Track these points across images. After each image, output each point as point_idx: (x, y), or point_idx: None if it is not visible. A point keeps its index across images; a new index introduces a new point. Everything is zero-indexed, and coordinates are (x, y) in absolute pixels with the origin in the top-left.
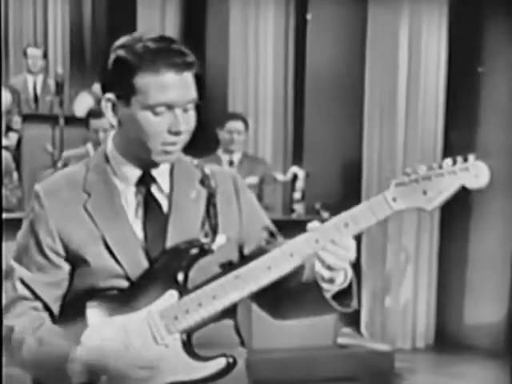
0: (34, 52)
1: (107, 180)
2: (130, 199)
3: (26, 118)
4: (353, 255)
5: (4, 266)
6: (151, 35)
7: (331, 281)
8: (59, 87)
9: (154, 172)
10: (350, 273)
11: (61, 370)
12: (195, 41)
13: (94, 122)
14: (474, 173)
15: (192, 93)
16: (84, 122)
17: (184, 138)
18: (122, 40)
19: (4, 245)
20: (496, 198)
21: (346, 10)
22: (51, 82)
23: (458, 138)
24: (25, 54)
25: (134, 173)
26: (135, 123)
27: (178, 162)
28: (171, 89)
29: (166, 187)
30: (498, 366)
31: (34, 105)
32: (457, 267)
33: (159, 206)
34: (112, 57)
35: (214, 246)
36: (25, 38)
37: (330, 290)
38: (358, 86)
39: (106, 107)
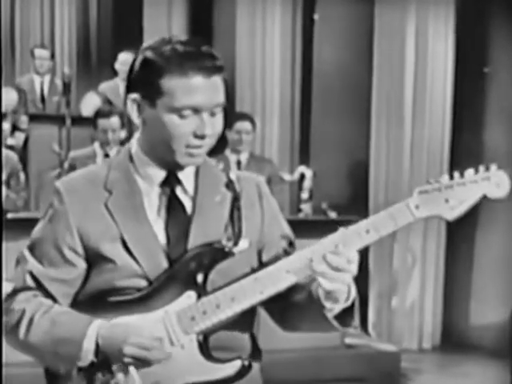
0: (42, 53)
1: (130, 179)
2: (153, 199)
3: (33, 118)
4: (354, 269)
5: (4, 266)
6: (180, 38)
7: (334, 299)
8: (66, 87)
9: (180, 173)
10: (354, 292)
11: (75, 348)
12: (202, 41)
13: (102, 122)
14: (496, 182)
15: (220, 97)
16: (91, 121)
17: (209, 142)
18: (151, 42)
19: (4, 245)
20: (503, 200)
21: (352, 10)
22: (58, 82)
23: (465, 137)
24: (32, 54)
25: (159, 173)
26: (160, 125)
27: (204, 165)
28: (198, 92)
29: (190, 189)
30: (504, 366)
31: (40, 105)
32: (463, 268)
33: (183, 208)
34: (139, 58)
35: (236, 250)
36: (32, 38)
37: (332, 308)
38: (365, 86)
39: (132, 108)
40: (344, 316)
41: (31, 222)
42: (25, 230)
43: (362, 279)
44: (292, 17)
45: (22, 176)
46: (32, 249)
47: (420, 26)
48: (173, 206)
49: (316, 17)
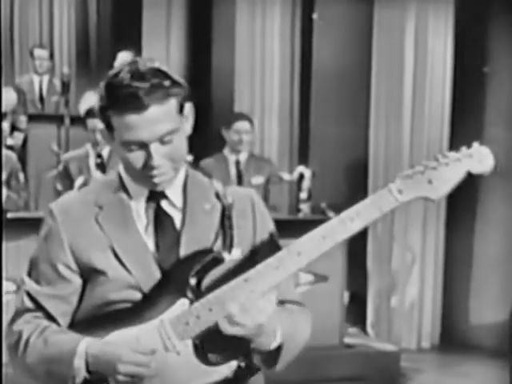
0: (41, 53)
1: (119, 195)
2: (141, 214)
3: (32, 118)
4: (262, 319)
5: (4, 265)
6: (129, 71)
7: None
8: (65, 87)
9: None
10: (279, 339)
11: (66, 367)
12: (201, 41)
13: (91, 122)
14: (478, 158)
15: (167, 125)
16: (82, 121)
17: (168, 168)
18: (109, 73)
19: (4, 245)
20: (501, 198)
21: (352, 10)
22: (57, 82)
23: (464, 136)
24: (31, 54)
25: (143, 190)
26: (120, 155)
27: (192, 178)
28: (136, 129)
29: (178, 203)
30: (504, 365)
31: (39, 105)
32: (462, 267)
33: (170, 219)
34: (99, 90)
35: (229, 258)
36: (30, 38)
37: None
38: (364, 85)
39: (102, 136)
40: (267, 359)
41: (31, 222)
42: (25, 230)
43: (360, 278)
44: (291, 16)
45: (21, 176)
46: (29, 271)
47: (419, 24)
48: (160, 219)
49: (315, 16)
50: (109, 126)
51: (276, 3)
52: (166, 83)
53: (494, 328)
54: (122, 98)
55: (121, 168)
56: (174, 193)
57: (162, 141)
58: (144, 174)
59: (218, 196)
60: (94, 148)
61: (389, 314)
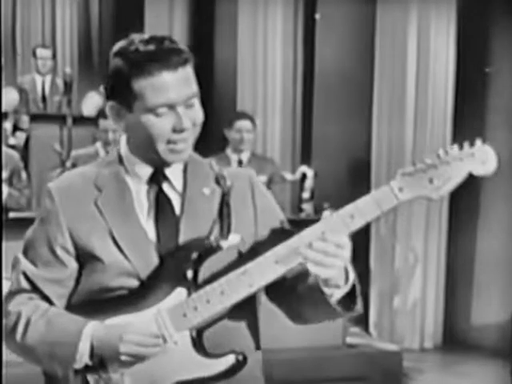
0: (44, 53)
1: (119, 178)
2: (142, 198)
3: (34, 118)
4: (346, 253)
5: (4, 266)
6: (142, 37)
7: (331, 284)
8: (67, 87)
9: (167, 170)
10: (352, 276)
11: (70, 349)
12: (204, 41)
13: (103, 122)
14: (481, 158)
15: (191, 88)
16: (93, 121)
17: (191, 134)
18: (117, 46)
19: (4, 244)
20: (504, 199)
21: (354, 10)
22: (59, 82)
23: (467, 137)
24: (34, 54)
25: (146, 170)
26: (140, 127)
27: (193, 162)
28: (167, 89)
29: (178, 186)
30: (505, 365)
31: (42, 105)
32: (465, 268)
33: (171, 204)
34: (110, 66)
35: (225, 244)
36: (33, 38)
37: (331, 294)
38: (366, 85)
39: (111, 114)
40: (346, 300)
41: (32, 222)
42: (26, 230)
43: (363, 278)
44: (293, 16)
45: (23, 174)
46: (25, 251)
47: (422, 25)
48: (161, 202)
49: (317, 16)
50: (125, 100)
51: (278, 3)
52: (184, 47)
53: (496, 328)
54: (152, 58)
55: (122, 149)
56: (175, 175)
57: (186, 104)
58: (169, 139)
59: (217, 181)
60: (104, 147)
61: (391, 314)
